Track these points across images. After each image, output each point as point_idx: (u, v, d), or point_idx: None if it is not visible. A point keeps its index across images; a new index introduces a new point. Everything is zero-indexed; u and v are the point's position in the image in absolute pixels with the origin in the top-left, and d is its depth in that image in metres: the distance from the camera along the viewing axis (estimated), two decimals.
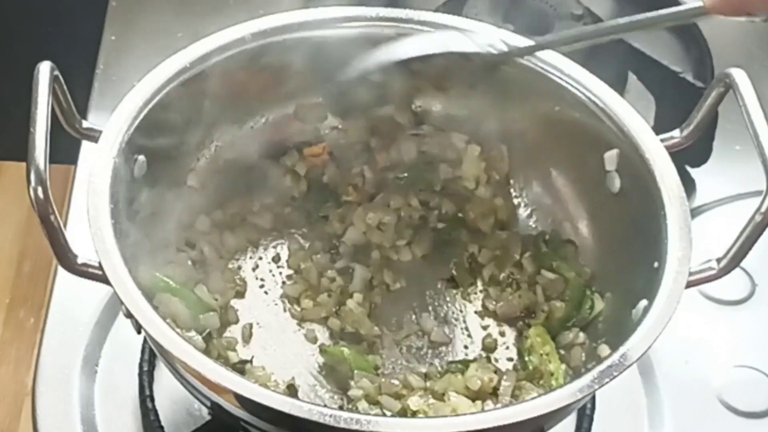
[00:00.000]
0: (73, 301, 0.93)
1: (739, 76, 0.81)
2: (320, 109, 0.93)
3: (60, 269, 0.76)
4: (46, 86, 0.75)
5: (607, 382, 0.71)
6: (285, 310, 0.89)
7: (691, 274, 0.77)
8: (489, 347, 0.87)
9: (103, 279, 0.73)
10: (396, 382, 0.83)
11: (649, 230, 0.80)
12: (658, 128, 0.85)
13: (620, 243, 0.86)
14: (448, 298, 0.90)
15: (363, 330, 0.87)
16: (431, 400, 0.81)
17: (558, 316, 0.86)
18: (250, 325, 0.87)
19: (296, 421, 0.67)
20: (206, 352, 0.81)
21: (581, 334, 0.85)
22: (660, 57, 1.09)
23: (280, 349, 0.86)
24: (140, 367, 0.88)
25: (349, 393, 0.82)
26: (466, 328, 0.89)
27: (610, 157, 0.86)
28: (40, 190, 0.70)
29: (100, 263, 0.73)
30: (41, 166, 0.71)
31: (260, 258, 0.91)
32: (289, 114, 0.93)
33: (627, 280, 0.83)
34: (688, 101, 0.93)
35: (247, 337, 0.86)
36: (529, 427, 0.71)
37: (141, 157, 0.81)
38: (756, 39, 1.22)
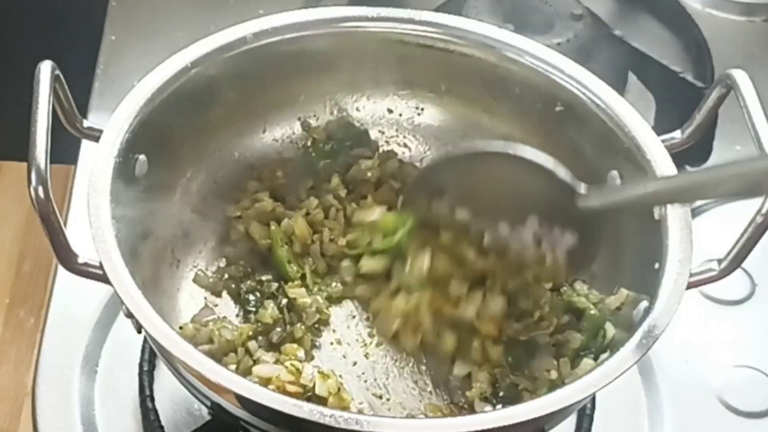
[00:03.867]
0: (73, 301, 0.93)
1: (741, 77, 0.81)
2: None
3: (60, 269, 0.77)
4: (47, 86, 0.75)
5: (608, 384, 0.71)
6: None
7: (691, 275, 0.77)
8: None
9: (104, 279, 0.72)
10: None
11: (650, 231, 0.80)
12: (658, 128, 0.85)
13: (620, 243, 0.86)
14: None
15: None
16: None
17: (574, 347, 0.84)
18: None
19: (296, 421, 0.67)
20: None
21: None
22: (660, 57, 1.09)
23: None
24: (140, 367, 0.88)
25: None
26: None
27: (612, 176, 0.86)
28: (41, 189, 0.70)
29: (100, 263, 0.73)
30: (42, 165, 0.71)
31: None
32: (290, 114, 0.93)
33: (628, 282, 0.83)
34: (688, 101, 0.93)
35: None
36: (529, 428, 0.71)
37: (142, 157, 0.81)
38: (756, 39, 1.22)
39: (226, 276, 0.90)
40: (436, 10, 0.96)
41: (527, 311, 0.86)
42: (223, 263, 0.91)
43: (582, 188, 0.79)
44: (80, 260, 0.73)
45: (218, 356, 0.83)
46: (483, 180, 0.83)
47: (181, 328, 0.84)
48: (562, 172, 0.80)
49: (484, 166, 0.82)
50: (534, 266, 0.83)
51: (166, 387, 0.87)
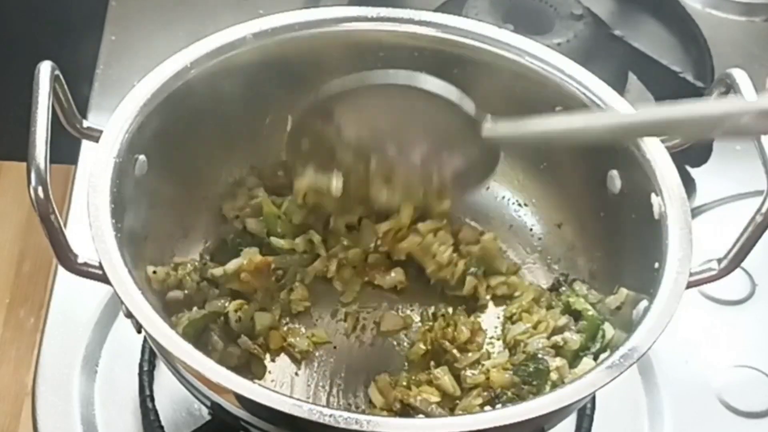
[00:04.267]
0: (73, 301, 0.93)
1: (740, 76, 0.81)
2: None
3: (60, 269, 0.76)
4: (47, 86, 0.75)
5: (608, 383, 0.71)
6: None
7: (691, 274, 0.77)
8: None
9: (104, 279, 0.73)
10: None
11: (650, 230, 0.80)
12: None
13: (620, 243, 0.86)
14: None
15: None
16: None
17: (574, 348, 0.85)
18: None
19: (296, 421, 0.67)
20: None
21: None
22: (660, 57, 1.09)
23: None
24: (140, 367, 0.88)
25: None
26: None
27: (612, 176, 0.86)
28: (40, 189, 0.70)
29: (100, 263, 0.73)
30: (42, 165, 0.71)
31: None
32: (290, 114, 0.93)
33: (627, 281, 0.83)
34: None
35: None
36: (529, 428, 0.71)
37: (142, 157, 0.81)
38: (756, 39, 1.22)
39: None
40: (436, 10, 0.96)
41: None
42: None
43: (488, 120, 0.83)
44: (80, 260, 0.73)
45: (197, 301, 0.85)
46: (380, 109, 0.84)
47: (154, 272, 0.83)
48: (468, 105, 0.82)
49: (384, 97, 0.83)
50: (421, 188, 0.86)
51: (166, 387, 0.87)
